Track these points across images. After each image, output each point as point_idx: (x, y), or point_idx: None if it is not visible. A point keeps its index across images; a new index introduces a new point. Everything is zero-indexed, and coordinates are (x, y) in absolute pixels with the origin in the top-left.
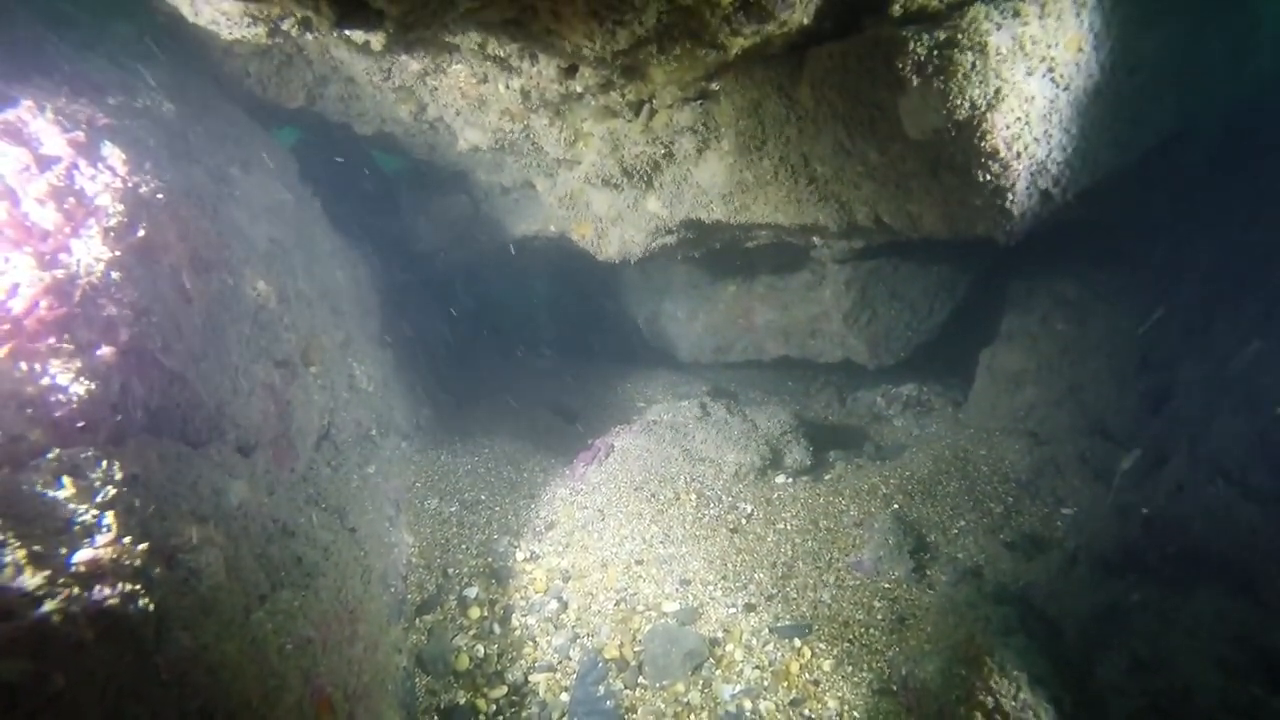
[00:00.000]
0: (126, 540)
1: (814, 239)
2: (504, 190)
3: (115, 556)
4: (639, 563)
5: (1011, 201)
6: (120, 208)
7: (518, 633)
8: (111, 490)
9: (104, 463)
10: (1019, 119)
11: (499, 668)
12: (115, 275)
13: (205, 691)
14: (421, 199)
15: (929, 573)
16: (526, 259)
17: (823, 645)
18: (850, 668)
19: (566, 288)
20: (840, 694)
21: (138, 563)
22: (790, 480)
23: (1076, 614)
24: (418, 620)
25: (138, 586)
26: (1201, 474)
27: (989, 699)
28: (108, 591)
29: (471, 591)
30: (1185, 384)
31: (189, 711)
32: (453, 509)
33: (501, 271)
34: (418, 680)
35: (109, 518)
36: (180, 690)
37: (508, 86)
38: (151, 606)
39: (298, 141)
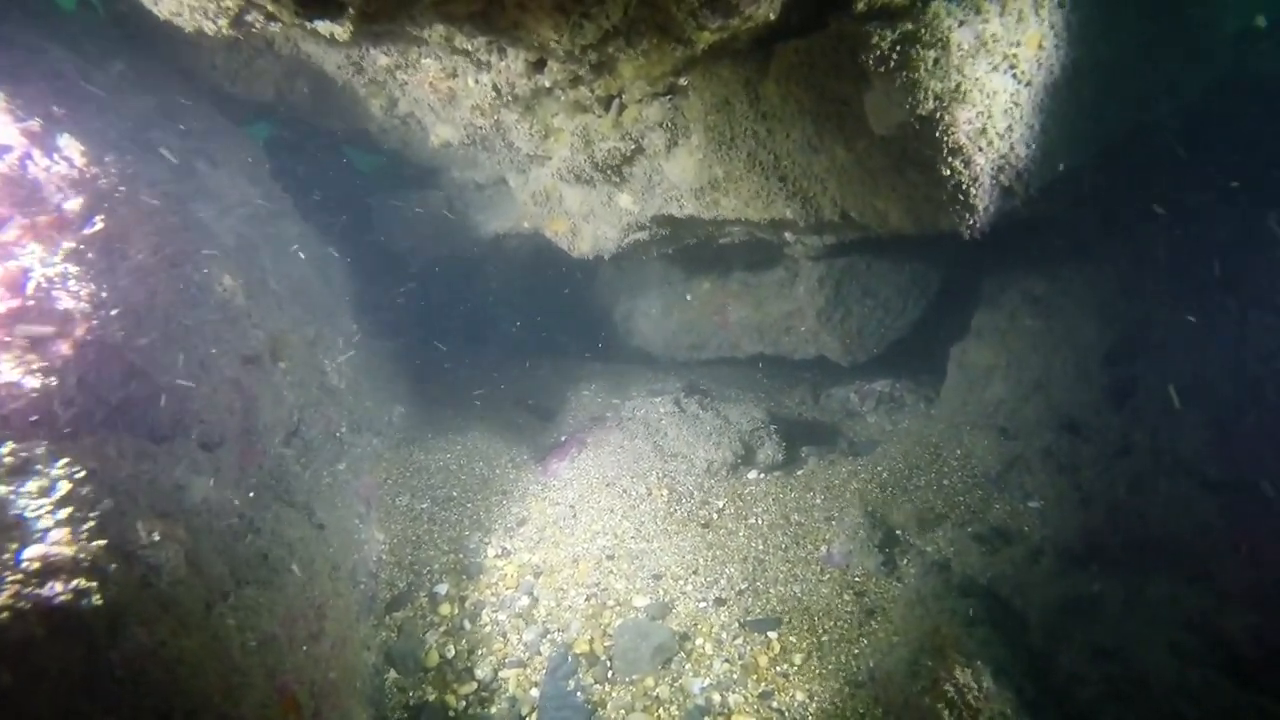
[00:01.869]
0: (81, 536)
1: (786, 235)
2: (478, 187)
3: (68, 552)
4: (610, 558)
5: (975, 196)
6: (78, 199)
7: (488, 629)
8: (66, 485)
9: (59, 458)
10: (981, 114)
11: (469, 664)
12: (72, 268)
13: (163, 688)
14: (395, 196)
15: (898, 566)
16: (501, 256)
17: (793, 638)
18: (819, 660)
19: (542, 285)
20: (809, 686)
21: (92, 558)
22: (762, 476)
23: (1041, 605)
24: (388, 617)
25: (91, 582)
26: (1161, 466)
27: (952, 690)
28: (59, 588)
29: (442, 588)
30: (1147, 379)
31: (145, 708)
32: (424, 506)
33: (476, 268)
34: (387, 677)
35: (62, 513)
36: (136, 686)
37: (477, 81)
38: (105, 602)
39: (270, 137)
